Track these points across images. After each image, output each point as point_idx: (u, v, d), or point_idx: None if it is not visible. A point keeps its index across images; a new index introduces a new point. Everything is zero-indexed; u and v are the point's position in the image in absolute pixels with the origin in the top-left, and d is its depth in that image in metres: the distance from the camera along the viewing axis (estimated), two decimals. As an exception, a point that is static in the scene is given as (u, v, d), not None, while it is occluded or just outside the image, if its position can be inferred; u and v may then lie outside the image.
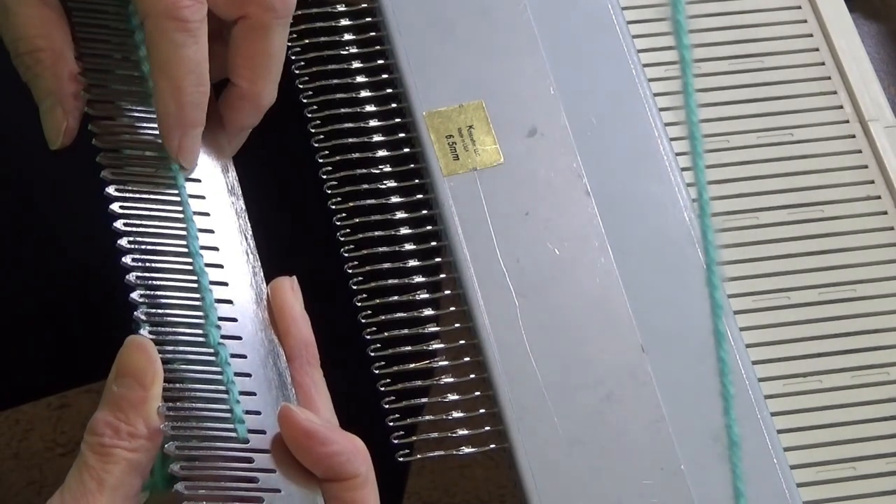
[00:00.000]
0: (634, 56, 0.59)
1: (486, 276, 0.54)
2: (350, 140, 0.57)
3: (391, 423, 0.52)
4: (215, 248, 0.49)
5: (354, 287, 0.54)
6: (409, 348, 0.53)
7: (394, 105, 0.58)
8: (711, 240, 0.41)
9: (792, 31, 0.63)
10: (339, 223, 0.55)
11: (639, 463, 0.50)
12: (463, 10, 0.59)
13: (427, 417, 0.52)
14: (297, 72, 0.58)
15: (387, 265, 0.54)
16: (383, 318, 0.54)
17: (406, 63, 0.58)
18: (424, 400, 0.53)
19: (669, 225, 0.55)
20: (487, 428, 0.52)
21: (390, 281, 0.54)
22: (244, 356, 0.47)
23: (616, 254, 0.54)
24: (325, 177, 0.56)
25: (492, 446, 0.52)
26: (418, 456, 0.51)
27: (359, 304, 0.54)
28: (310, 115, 0.58)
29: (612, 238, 0.55)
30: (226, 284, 0.48)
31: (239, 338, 0.47)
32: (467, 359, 0.53)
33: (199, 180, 0.50)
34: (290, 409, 0.45)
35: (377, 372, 0.53)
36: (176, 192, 0.49)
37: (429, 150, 0.56)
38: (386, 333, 0.53)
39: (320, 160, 0.57)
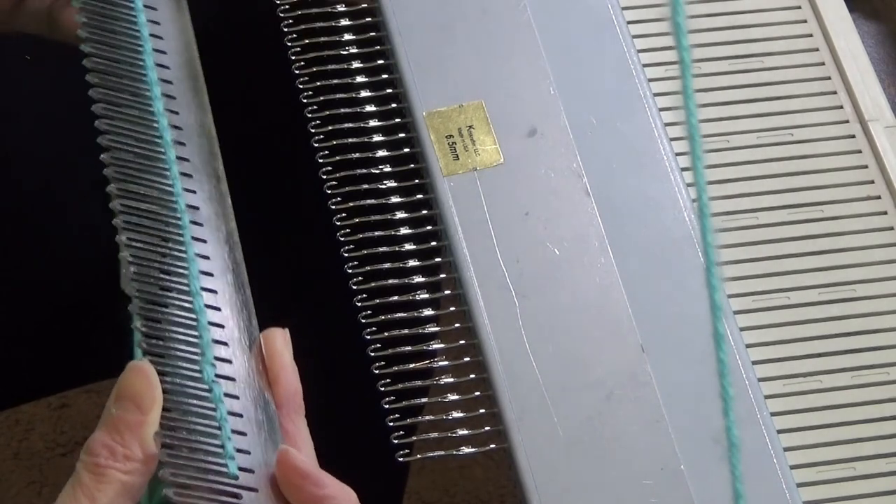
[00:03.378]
0: (634, 56, 0.59)
1: (486, 276, 0.54)
2: (350, 140, 0.57)
3: (391, 423, 0.52)
4: (213, 291, 0.51)
5: (354, 287, 0.54)
6: (409, 348, 0.53)
7: (394, 105, 0.58)
8: (711, 241, 0.41)
9: (792, 31, 0.63)
10: (339, 223, 0.55)
11: (639, 463, 0.50)
12: (463, 10, 0.59)
13: (427, 417, 0.52)
14: (297, 72, 0.58)
15: (387, 265, 0.54)
16: (383, 318, 0.54)
17: (406, 63, 0.58)
18: (424, 400, 0.53)
19: (669, 225, 0.55)
20: (487, 428, 0.52)
21: (390, 281, 0.54)
22: (237, 397, 0.49)
23: (616, 254, 0.54)
24: (325, 177, 0.56)
25: (492, 446, 0.52)
26: (418, 456, 0.51)
27: (359, 304, 0.54)
28: (310, 115, 0.58)
29: (612, 238, 0.55)
30: (222, 327, 0.50)
31: (232, 379, 0.49)
32: (467, 359, 0.53)
33: (201, 224, 0.52)
34: (290, 450, 0.47)
35: (377, 372, 0.53)
36: (181, 231, 0.51)
37: (429, 150, 0.56)
38: (386, 333, 0.53)
39: (320, 160, 0.57)
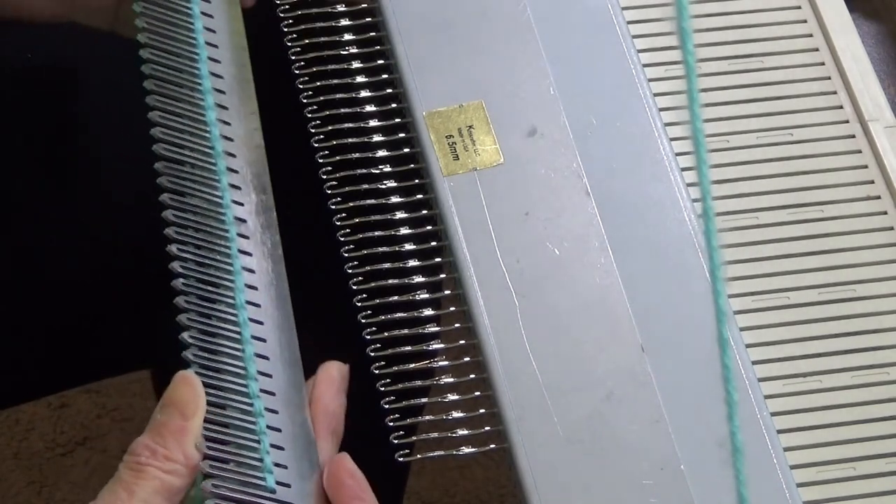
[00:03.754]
0: (634, 56, 0.59)
1: (486, 276, 0.54)
2: (350, 140, 0.57)
3: (391, 423, 0.52)
4: (257, 305, 0.51)
5: (354, 287, 0.54)
6: (409, 348, 0.53)
7: (394, 105, 0.58)
8: (716, 246, 0.41)
9: (792, 31, 0.63)
10: (339, 223, 0.55)
11: (639, 463, 0.50)
12: (463, 10, 0.59)
13: (427, 417, 0.52)
14: (297, 72, 0.58)
15: (387, 265, 0.54)
16: (383, 318, 0.54)
17: (406, 63, 0.58)
18: (424, 400, 0.53)
19: (669, 225, 0.55)
20: (487, 428, 0.52)
21: (390, 281, 0.54)
22: (276, 411, 0.50)
23: (616, 254, 0.54)
24: (325, 177, 0.56)
25: (492, 446, 0.52)
26: (418, 456, 0.51)
27: (359, 305, 0.54)
28: (310, 115, 0.58)
29: (612, 238, 0.55)
30: (264, 341, 0.51)
31: (273, 393, 0.50)
32: (467, 359, 0.53)
33: (247, 237, 0.53)
34: (345, 455, 0.49)
35: (377, 372, 0.53)
36: (228, 244, 0.51)
37: (429, 150, 0.56)
38: (386, 333, 0.53)
39: (320, 160, 0.57)
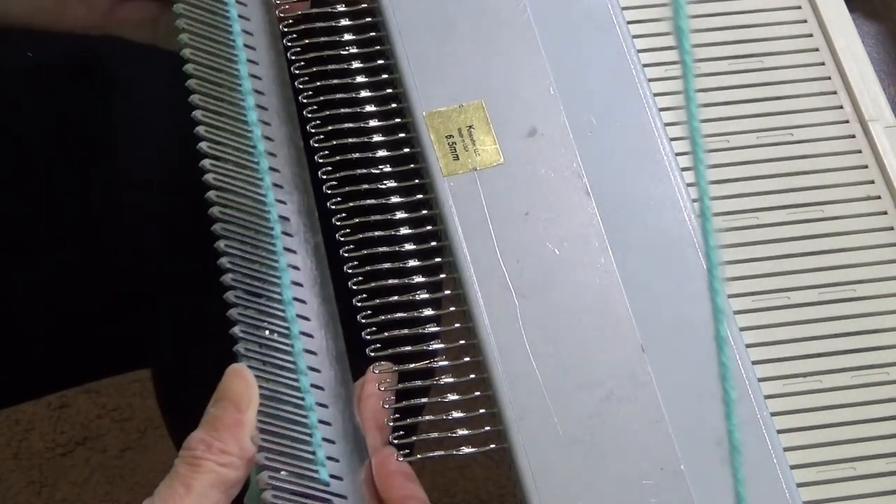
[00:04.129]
0: (634, 56, 0.59)
1: (486, 276, 0.54)
2: (350, 140, 0.57)
3: (391, 423, 0.52)
4: (303, 301, 0.52)
5: (354, 287, 0.54)
6: (409, 348, 0.53)
7: (394, 105, 0.58)
8: (713, 244, 0.41)
9: (792, 31, 0.63)
10: (339, 223, 0.55)
11: (639, 463, 0.50)
12: (463, 10, 0.59)
13: (427, 417, 0.52)
14: (296, 72, 0.58)
15: (387, 265, 0.54)
16: (383, 318, 0.54)
17: (406, 63, 0.58)
18: (424, 400, 0.53)
19: (669, 225, 0.55)
20: (487, 428, 0.52)
21: (390, 281, 0.54)
22: (325, 406, 0.50)
23: (616, 254, 0.54)
24: (324, 177, 0.56)
25: (492, 446, 0.52)
26: (418, 456, 0.51)
27: (359, 305, 0.54)
28: (310, 115, 0.58)
29: (612, 238, 0.55)
30: (311, 336, 0.52)
31: (321, 388, 0.51)
32: (467, 359, 0.53)
33: (291, 235, 0.54)
34: (393, 448, 0.51)
35: (377, 372, 0.53)
36: (273, 241, 0.52)
37: (429, 151, 0.56)
38: (386, 333, 0.53)
39: (320, 160, 0.57)
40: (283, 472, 0.47)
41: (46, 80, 0.71)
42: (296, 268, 0.53)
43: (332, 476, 0.49)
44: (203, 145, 0.53)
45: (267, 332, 0.50)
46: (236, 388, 0.48)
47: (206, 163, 0.52)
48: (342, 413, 0.51)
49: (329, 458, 0.49)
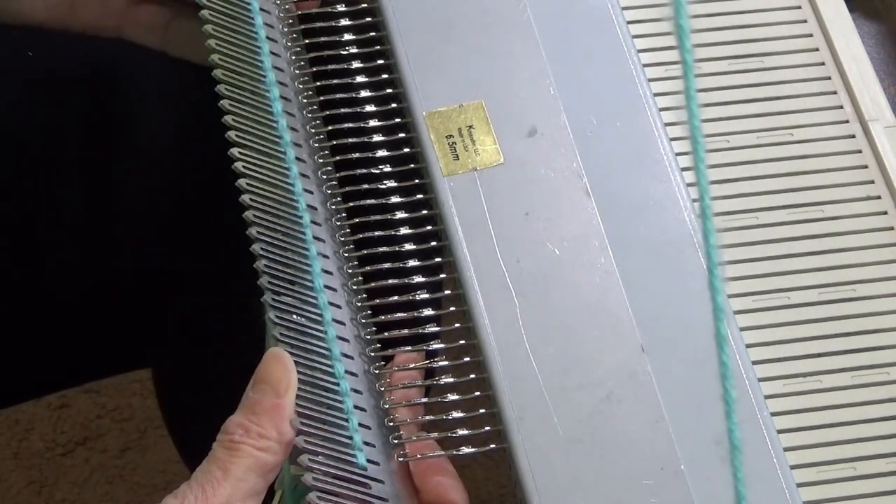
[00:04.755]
0: (634, 56, 0.59)
1: (486, 276, 0.54)
2: (350, 140, 0.57)
3: (391, 424, 0.52)
4: (333, 289, 0.53)
5: (354, 287, 0.54)
6: (409, 348, 0.53)
7: (394, 105, 0.58)
8: (714, 244, 0.41)
9: (792, 31, 0.63)
10: (339, 223, 0.55)
11: (639, 463, 0.50)
12: (463, 10, 0.59)
13: (427, 417, 0.52)
14: (296, 72, 0.58)
15: (387, 265, 0.54)
16: (383, 318, 0.54)
17: (406, 63, 0.58)
18: (424, 400, 0.53)
19: (669, 225, 0.55)
20: (487, 428, 0.52)
21: (390, 281, 0.54)
22: (360, 392, 0.51)
23: (616, 254, 0.54)
24: (325, 177, 0.56)
25: (492, 446, 0.52)
26: (418, 456, 0.51)
27: (359, 305, 0.54)
28: (310, 115, 0.58)
29: (612, 238, 0.55)
30: (343, 324, 0.52)
31: (355, 374, 0.51)
32: (467, 359, 0.53)
33: (319, 224, 0.54)
34: (427, 434, 0.51)
35: (377, 372, 0.53)
36: (302, 230, 0.53)
37: (429, 150, 0.56)
38: (386, 333, 0.53)
39: (320, 160, 0.57)
40: (320, 457, 0.47)
41: (57, 82, 0.71)
42: (325, 256, 0.53)
43: (368, 461, 0.49)
44: (231, 134, 0.53)
45: (294, 317, 0.50)
46: (275, 372, 0.48)
47: (234, 151, 0.53)
48: (377, 399, 0.51)
49: (366, 444, 0.49)
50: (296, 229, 0.53)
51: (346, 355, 0.51)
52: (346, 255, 0.55)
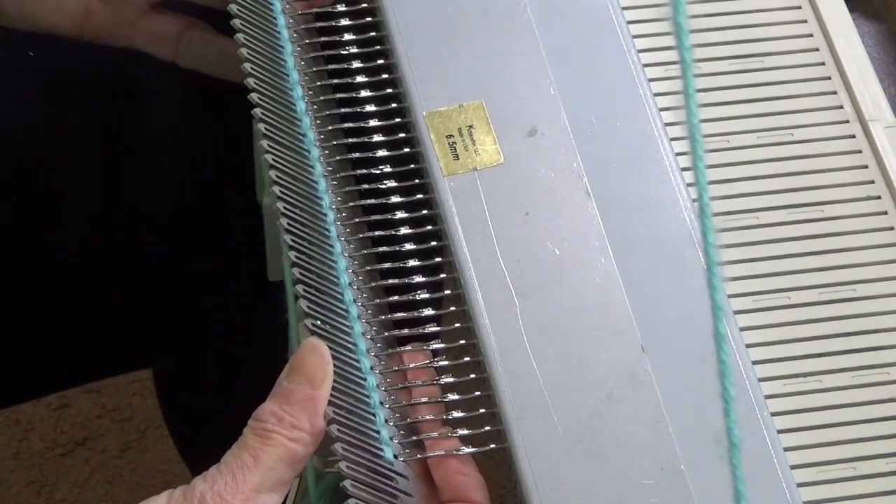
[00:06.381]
0: (634, 56, 0.59)
1: (486, 276, 0.54)
2: (350, 140, 0.57)
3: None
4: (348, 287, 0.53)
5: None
6: (409, 348, 0.53)
7: (394, 105, 0.58)
8: (712, 241, 0.41)
9: (792, 31, 0.63)
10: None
11: (639, 463, 0.50)
12: (463, 10, 0.59)
13: (427, 417, 0.52)
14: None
15: (387, 265, 0.54)
16: (383, 318, 0.54)
17: (406, 63, 0.58)
18: (424, 400, 0.53)
19: (669, 225, 0.55)
20: (487, 428, 0.52)
21: (390, 281, 0.54)
22: (383, 388, 0.51)
23: (616, 254, 0.54)
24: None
25: (492, 446, 0.52)
26: (418, 456, 0.51)
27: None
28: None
29: (612, 238, 0.55)
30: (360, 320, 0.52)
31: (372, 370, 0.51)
32: (467, 359, 0.53)
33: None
34: (448, 431, 0.50)
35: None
36: (327, 227, 0.53)
37: (429, 150, 0.56)
38: (386, 333, 0.53)
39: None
40: (353, 447, 0.48)
41: (64, 85, 0.71)
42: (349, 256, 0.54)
43: (394, 456, 0.49)
44: (260, 126, 0.53)
45: (319, 322, 0.50)
46: (311, 363, 0.48)
47: (263, 143, 0.53)
48: (398, 395, 0.52)
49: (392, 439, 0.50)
50: (320, 227, 0.53)
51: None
52: (346, 254, 0.55)
